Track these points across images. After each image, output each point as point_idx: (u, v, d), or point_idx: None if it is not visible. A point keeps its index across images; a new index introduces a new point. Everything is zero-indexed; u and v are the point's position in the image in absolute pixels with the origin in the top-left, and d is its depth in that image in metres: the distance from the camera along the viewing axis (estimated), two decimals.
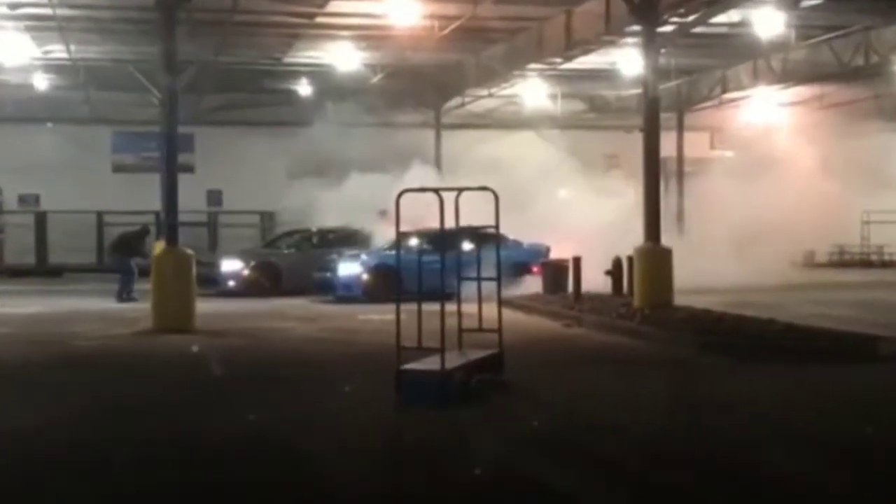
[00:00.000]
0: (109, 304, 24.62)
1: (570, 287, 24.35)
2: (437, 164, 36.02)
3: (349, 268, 25.44)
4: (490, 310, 13.98)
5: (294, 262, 27.65)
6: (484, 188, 14.00)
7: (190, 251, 19.35)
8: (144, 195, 34.71)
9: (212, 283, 27.53)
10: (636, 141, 38.58)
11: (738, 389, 13.12)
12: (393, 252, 26.50)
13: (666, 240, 21.23)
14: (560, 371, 14.82)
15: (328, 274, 25.71)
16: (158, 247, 19.55)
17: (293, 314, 22.60)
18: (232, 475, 8.92)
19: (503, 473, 8.99)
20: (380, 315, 21.90)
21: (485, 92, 36.79)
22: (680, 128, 37.86)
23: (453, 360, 12.75)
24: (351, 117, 37.20)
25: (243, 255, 27.92)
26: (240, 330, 19.77)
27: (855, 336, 16.49)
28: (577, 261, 23.34)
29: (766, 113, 37.62)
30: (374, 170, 39.56)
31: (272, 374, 14.55)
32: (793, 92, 36.45)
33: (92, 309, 23.73)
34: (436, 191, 12.72)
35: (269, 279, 27.44)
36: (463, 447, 10.03)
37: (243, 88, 37.38)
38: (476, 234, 23.81)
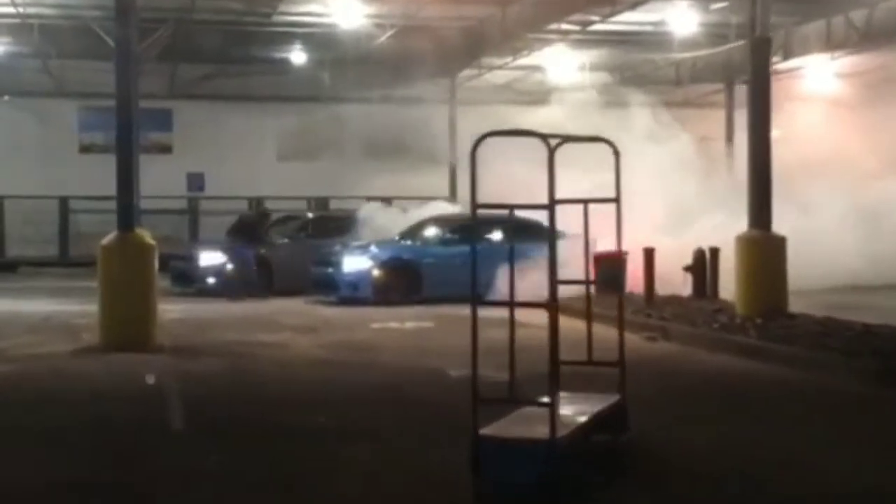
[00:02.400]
0: (63, 307, 19.26)
1: (626, 286, 19.26)
2: (451, 144, 30.63)
3: (356, 262, 20.18)
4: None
5: (287, 254, 22.42)
6: (598, 139, 8.78)
7: (149, 238, 14.02)
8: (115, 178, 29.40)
9: (189, 279, 22.31)
10: (685, 118, 33.96)
11: None
12: (410, 243, 21.34)
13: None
14: (696, 420, 9.56)
15: (329, 269, 20.44)
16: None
17: (287, 321, 17.36)
18: None
19: None
20: (398, 322, 16.78)
21: (504, 60, 31.50)
22: (730, 97, 32.44)
23: (563, 416, 7.57)
24: (351, 90, 32.03)
25: (225, 246, 22.65)
26: (218, 346, 14.53)
27: None
28: (648, 254, 18.14)
29: (827, 83, 32.40)
30: (377, 151, 34.87)
31: (258, 428, 9.21)
32: (850, 61, 31.29)
33: (37, 313, 18.45)
34: (541, 136, 7.49)
35: (259, 275, 22.19)
36: None
37: (227, 56, 32.02)
38: (517, 223, 19.28)
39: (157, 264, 14.06)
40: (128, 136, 14.01)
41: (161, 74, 32.19)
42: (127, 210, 13.82)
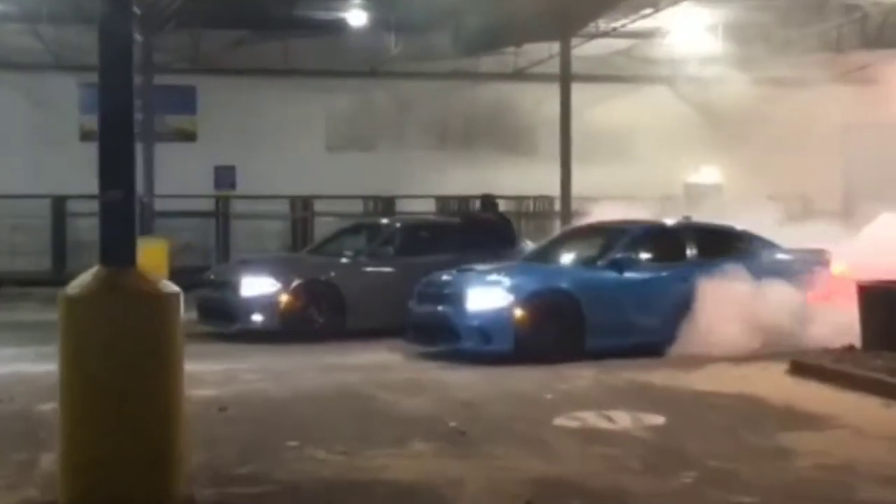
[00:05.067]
0: (33, 367, 11.91)
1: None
2: (564, 128, 23.16)
3: (487, 297, 12.70)
4: None
5: (366, 281, 15.10)
6: None
7: (169, 284, 6.54)
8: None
9: (225, 315, 14.99)
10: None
11: None
12: (558, 266, 14.01)
13: None
14: None
15: (440, 308, 12.99)
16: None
17: (402, 408, 9.97)
18: None
19: None
20: (598, 414, 9.46)
21: (619, 21, 24.09)
22: None
23: None
24: (424, 61, 24.85)
25: (279, 268, 15.26)
26: (293, 483, 7.18)
27: None
28: None
29: None
30: (456, 138, 27.61)
31: None
32: None
33: None
34: None
35: (324, 310, 14.85)
36: None
37: (265, 19, 24.73)
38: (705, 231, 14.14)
39: (181, 329, 6.63)
40: (119, 109, 6.55)
41: (181, 43, 24.97)
42: (120, 228, 6.45)
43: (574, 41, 23.67)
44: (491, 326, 12.56)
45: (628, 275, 13.04)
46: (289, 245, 25.66)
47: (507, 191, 25.60)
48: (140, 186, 22.50)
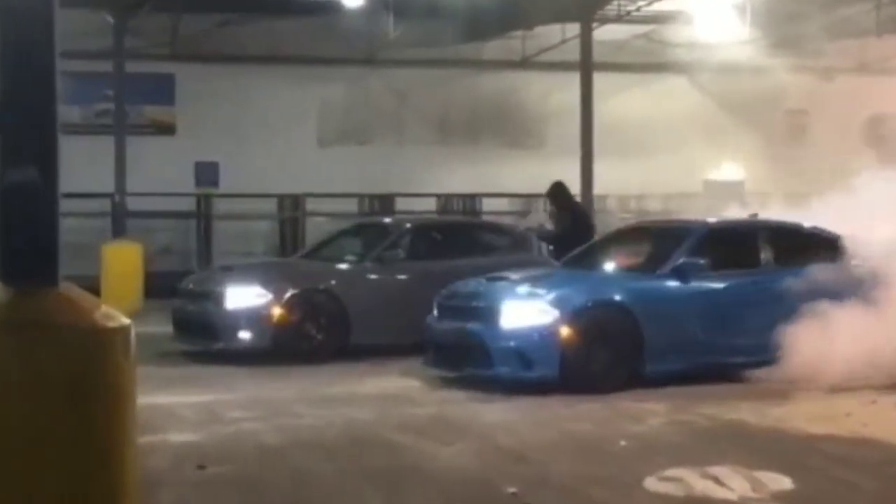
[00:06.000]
0: None
1: None
2: (585, 119, 20.79)
3: (528, 312, 10.28)
4: None
5: (373, 290, 12.72)
6: None
7: (112, 315, 4.15)
8: (97, 169, 19.80)
9: (206, 331, 12.58)
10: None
11: None
12: (611, 275, 11.61)
13: None
14: None
15: (469, 325, 10.58)
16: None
17: (438, 465, 7.52)
18: None
19: None
20: (692, 465, 6.95)
21: (641, 2, 21.79)
22: None
23: None
24: (426, 47, 22.57)
25: (269, 276, 12.80)
26: None
27: None
28: None
29: None
30: (460, 132, 25.20)
31: None
32: None
33: None
34: None
35: (323, 325, 12.45)
36: None
37: (251, 2, 22.32)
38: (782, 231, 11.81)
39: (130, 374, 4.21)
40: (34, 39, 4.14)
41: (159, 27, 22.53)
42: (33, 229, 4.04)
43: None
44: (532, 348, 10.16)
45: (695, 284, 10.66)
46: (277, 248, 23.30)
47: (513, 188, 23.44)
48: (111, 184, 20.14)
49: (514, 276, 11.13)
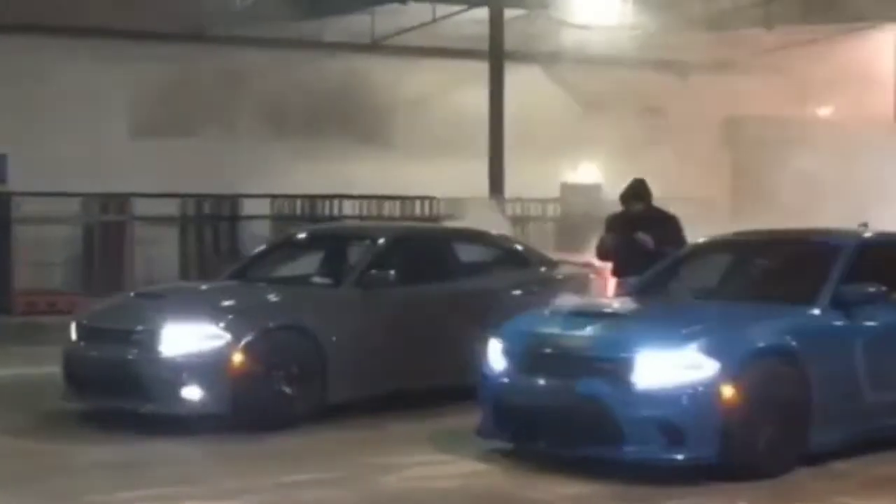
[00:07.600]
0: None
1: None
2: (494, 112, 17.79)
3: (675, 364, 7.10)
4: None
5: (359, 325, 9.26)
6: None
7: None
8: None
9: (130, 388, 8.75)
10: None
11: None
12: (750, 307, 8.38)
13: None
14: None
15: (572, 382, 7.34)
16: None
17: None
18: None
19: None
20: None
21: None
22: None
23: None
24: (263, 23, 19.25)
25: (221, 308, 9.04)
26: None
27: None
28: None
29: None
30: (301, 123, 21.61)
31: None
32: None
33: None
34: None
35: (295, 376, 8.86)
36: None
37: None
38: None
39: None
40: None
41: None
42: None
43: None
44: (685, 418, 7.06)
45: (865, 322, 7.84)
46: (81, 260, 19.32)
47: (363, 189, 20.30)
48: None
49: (620, 305, 7.96)
